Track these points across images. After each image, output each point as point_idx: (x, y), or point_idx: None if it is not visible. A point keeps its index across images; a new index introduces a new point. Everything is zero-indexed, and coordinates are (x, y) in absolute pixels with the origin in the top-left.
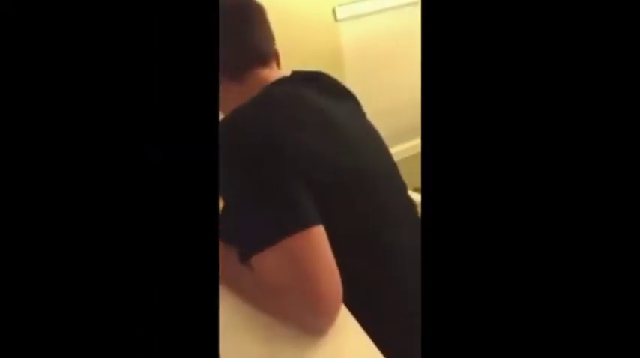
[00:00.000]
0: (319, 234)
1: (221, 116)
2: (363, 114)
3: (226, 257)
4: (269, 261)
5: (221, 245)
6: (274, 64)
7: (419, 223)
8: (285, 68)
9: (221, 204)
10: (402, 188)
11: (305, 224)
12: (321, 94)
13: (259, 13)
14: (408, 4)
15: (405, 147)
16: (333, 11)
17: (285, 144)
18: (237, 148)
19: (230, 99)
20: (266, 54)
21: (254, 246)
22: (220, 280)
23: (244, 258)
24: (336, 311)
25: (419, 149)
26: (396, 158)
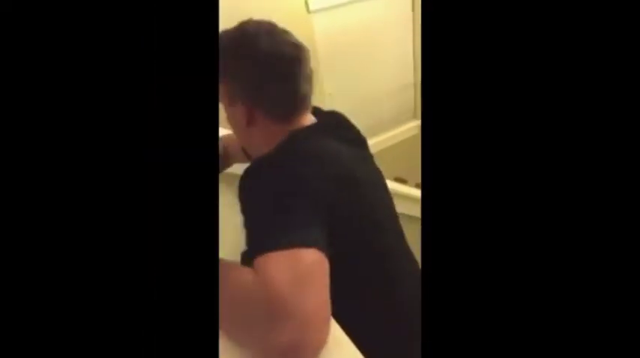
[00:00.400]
0: (326, 265)
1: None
2: (371, 157)
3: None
4: (274, 262)
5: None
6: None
7: (412, 254)
8: None
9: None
10: (398, 224)
11: (320, 247)
12: (339, 140)
13: (308, 59)
14: None
15: (384, 138)
16: (306, 2)
17: (309, 180)
18: (266, 182)
19: (263, 136)
20: (310, 101)
21: (264, 246)
22: None
23: (246, 258)
24: (317, 342)
25: (397, 139)
26: (376, 148)
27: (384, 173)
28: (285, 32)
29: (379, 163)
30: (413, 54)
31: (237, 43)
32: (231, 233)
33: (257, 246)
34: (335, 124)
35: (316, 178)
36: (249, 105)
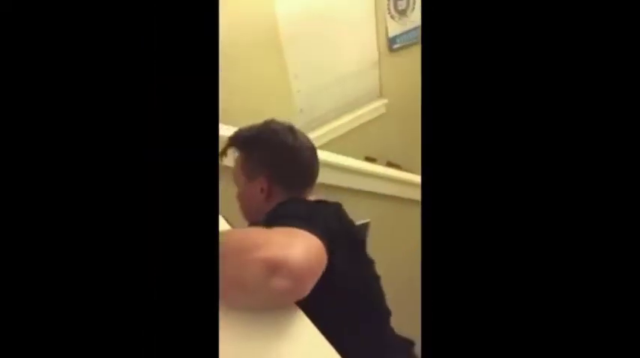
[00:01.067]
0: (324, 254)
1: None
2: (364, 242)
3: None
4: (280, 228)
5: None
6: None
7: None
8: (222, 44)
9: None
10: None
11: (323, 240)
12: (336, 212)
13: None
14: None
15: (351, 118)
16: None
17: (313, 213)
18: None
19: (266, 204)
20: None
21: (272, 223)
22: None
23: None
24: (304, 275)
25: (365, 119)
26: (344, 129)
27: (354, 152)
28: (300, 131)
29: (348, 143)
30: (376, 32)
31: (267, 136)
32: None
33: (282, 220)
34: (333, 203)
35: (318, 215)
36: (272, 182)
